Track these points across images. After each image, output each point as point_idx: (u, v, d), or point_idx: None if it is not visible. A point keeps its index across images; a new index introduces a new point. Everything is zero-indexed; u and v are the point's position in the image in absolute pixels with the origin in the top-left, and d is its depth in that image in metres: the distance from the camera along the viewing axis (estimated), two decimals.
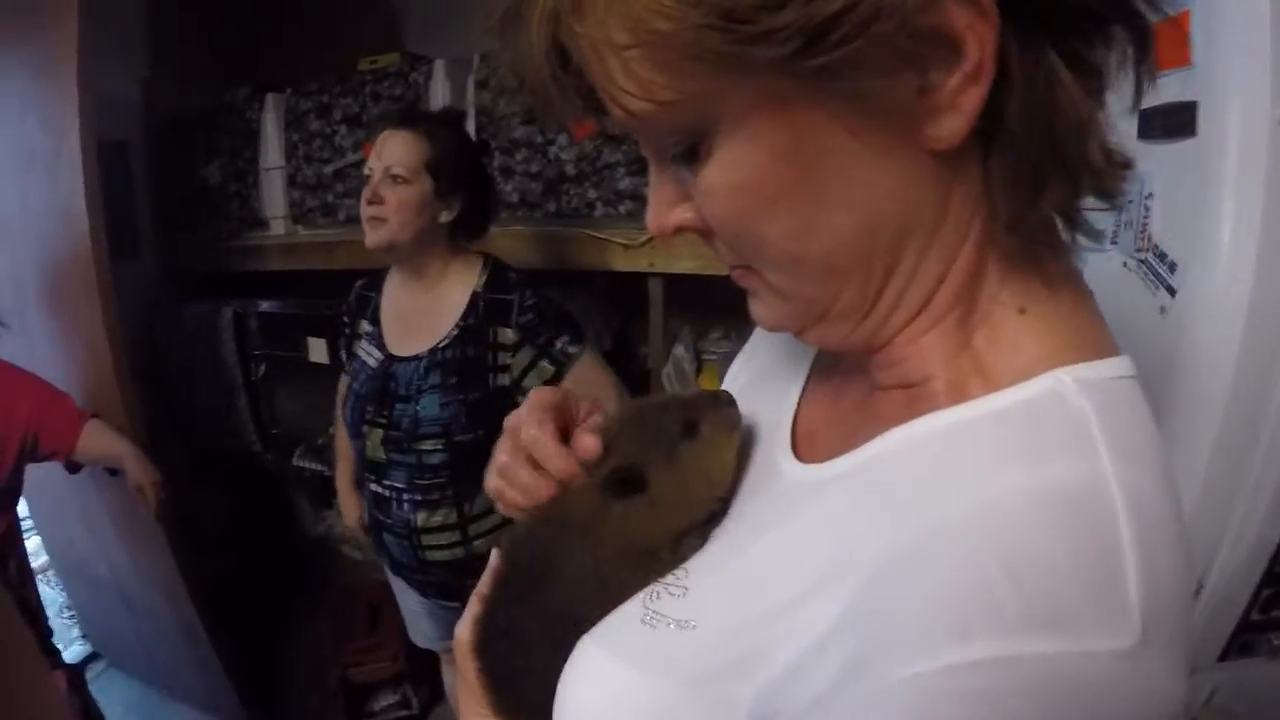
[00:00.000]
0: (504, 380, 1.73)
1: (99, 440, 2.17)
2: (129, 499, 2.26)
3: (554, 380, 1.70)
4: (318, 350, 2.60)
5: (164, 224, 3.26)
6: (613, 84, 0.43)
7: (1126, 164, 0.45)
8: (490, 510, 1.75)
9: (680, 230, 0.51)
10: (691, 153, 0.46)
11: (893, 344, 0.52)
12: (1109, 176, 0.44)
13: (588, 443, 0.60)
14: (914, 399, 0.50)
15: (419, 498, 1.76)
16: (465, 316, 1.72)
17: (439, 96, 2.45)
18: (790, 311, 0.51)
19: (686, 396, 0.64)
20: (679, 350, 2.42)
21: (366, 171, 1.73)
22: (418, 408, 1.71)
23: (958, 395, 0.48)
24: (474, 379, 1.71)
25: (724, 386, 0.74)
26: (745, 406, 0.63)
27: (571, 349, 1.71)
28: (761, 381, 0.71)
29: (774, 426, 0.63)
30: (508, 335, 1.71)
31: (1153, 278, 1.14)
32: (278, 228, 2.90)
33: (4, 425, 1.99)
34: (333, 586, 3.12)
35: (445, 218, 1.74)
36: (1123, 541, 0.38)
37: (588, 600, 0.59)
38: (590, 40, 0.41)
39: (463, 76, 2.45)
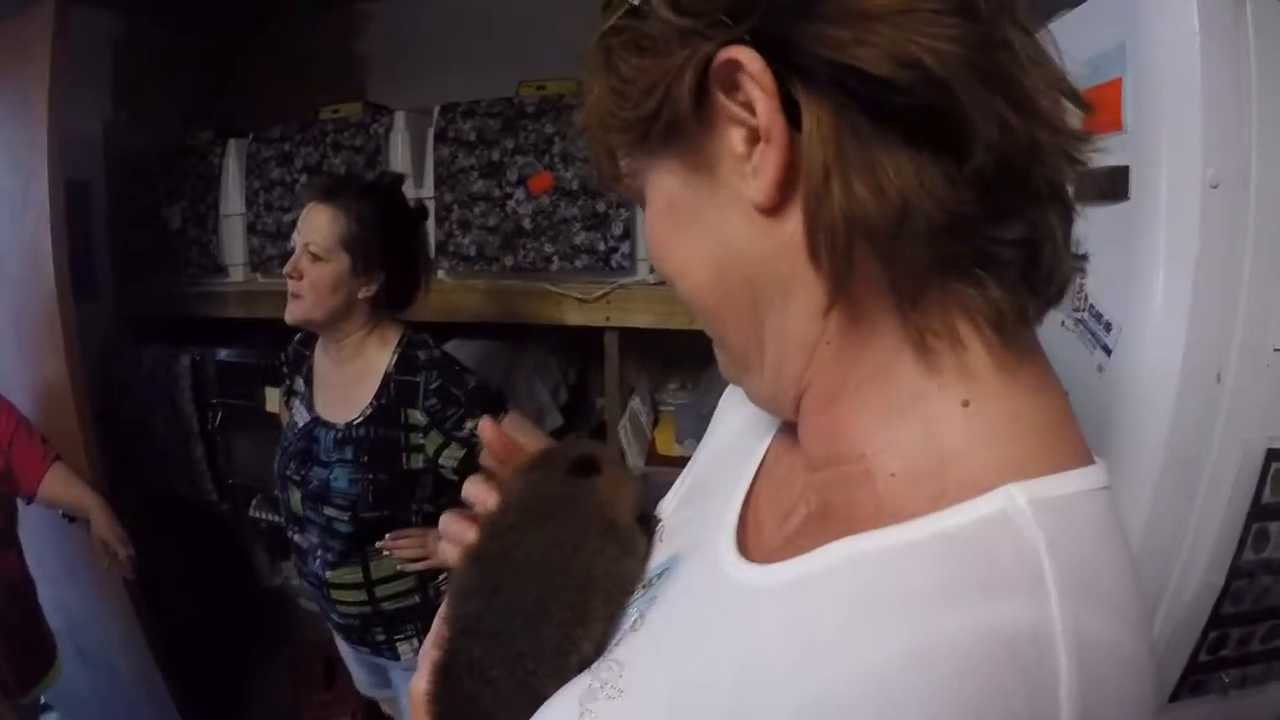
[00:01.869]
0: (418, 461, 1.73)
1: (63, 487, 2.16)
2: (85, 547, 2.24)
3: (468, 459, 1.71)
4: (273, 400, 2.56)
5: (123, 266, 3.23)
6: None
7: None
8: (397, 575, 1.77)
9: None
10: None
11: (810, 421, 0.53)
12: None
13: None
14: (858, 492, 0.47)
15: (329, 556, 1.76)
16: (378, 396, 1.72)
17: (399, 148, 2.47)
18: (720, 356, 0.58)
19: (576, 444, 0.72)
20: (635, 403, 2.43)
21: (291, 244, 1.73)
22: (330, 476, 1.71)
23: (901, 502, 0.44)
24: (385, 459, 1.71)
25: (685, 471, 0.78)
26: (701, 486, 0.69)
27: None
28: (715, 459, 0.72)
29: (723, 509, 0.61)
30: (417, 417, 1.71)
31: (1090, 337, 1.17)
32: (237, 275, 2.88)
33: None
34: (290, 638, 3.08)
35: (364, 294, 1.73)
36: (1058, 695, 0.36)
37: (555, 581, 0.60)
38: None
39: (423, 128, 2.46)
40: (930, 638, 0.38)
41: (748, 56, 0.42)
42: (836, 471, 0.50)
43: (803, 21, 0.41)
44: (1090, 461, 0.45)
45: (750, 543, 0.57)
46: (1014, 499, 0.41)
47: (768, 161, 0.44)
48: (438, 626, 0.65)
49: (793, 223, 0.45)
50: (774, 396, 0.54)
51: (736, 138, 0.45)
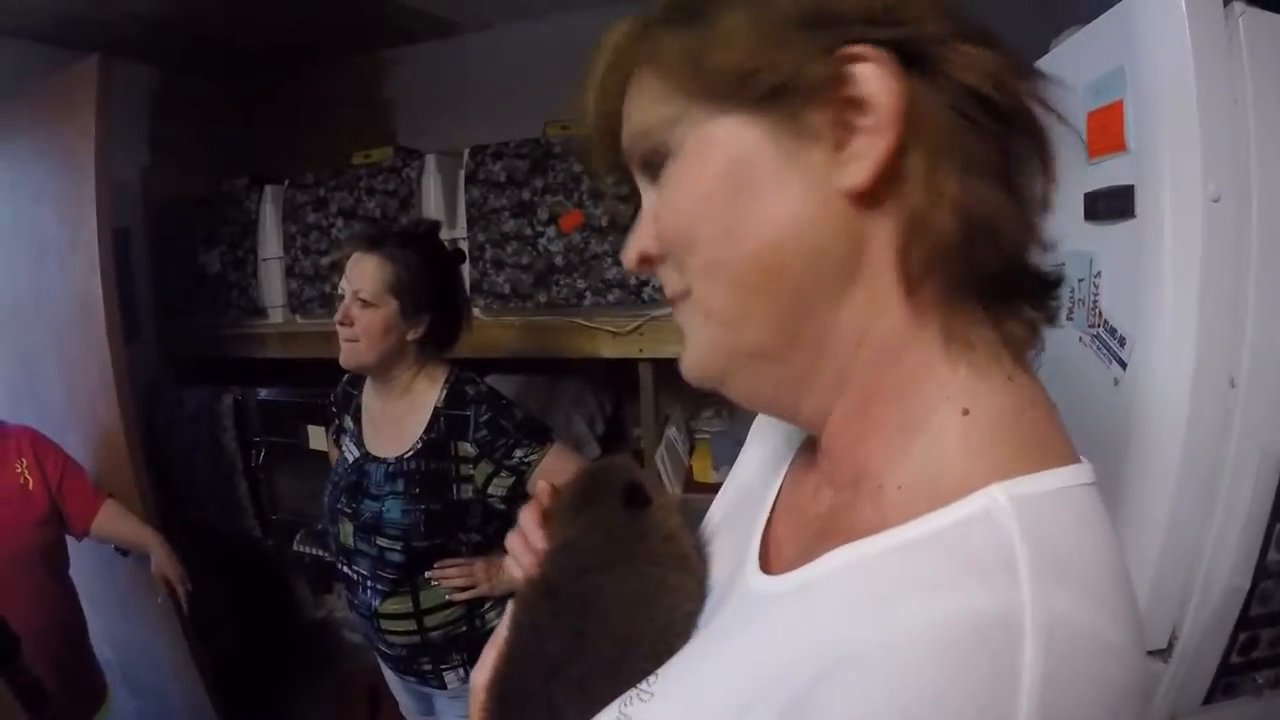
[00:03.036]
0: (467, 491, 1.79)
1: (118, 523, 2.23)
2: (136, 581, 2.31)
3: (516, 488, 1.78)
4: (317, 438, 2.64)
5: (163, 309, 3.34)
6: (632, 101, 0.55)
7: (1047, 245, 0.50)
8: (445, 605, 1.82)
9: (642, 260, 0.58)
10: (660, 167, 0.54)
11: (831, 433, 0.55)
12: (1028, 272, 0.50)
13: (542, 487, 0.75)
14: (865, 507, 0.51)
15: (380, 587, 1.81)
16: (428, 430, 1.79)
17: (431, 190, 2.54)
18: (712, 341, 0.55)
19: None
20: (671, 431, 2.47)
21: (340, 291, 1.81)
22: (382, 508, 1.77)
23: (902, 511, 0.47)
24: (436, 491, 1.77)
25: (714, 504, 0.79)
26: (729, 517, 0.70)
27: (531, 457, 1.77)
28: (739, 492, 0.74)
29: (747, 536, 0.64)
30: (467, 449, 1.77)
31: (1105, 352, 1.20)
32: (276, 316, 2.97)
33: (37, 483, 2.08)
34: (334, 670, 3.12)
35: (413, 335, 1.81)
36: (1020, 677, 0.37)
37: (640, 628, 0.60)
38: (633, 63, 0.55)
39: (454, 170, 2.53)
40: (903, 624, 0.41)
41: (881, 55, 0.45)
42: (855, 491, 0.52)
43: (942, 46, 0.46)
44: (1075, 461, 0.48)
45: (772, 560, 0.60)
46: (995, 498, 0.43)
47: (876, 150, 0.46)
48: (499, 645, 0.68)
49: (876, 217, 0.48)
50: (794, 400, 0.55)
51: (845, 120, 0.47)
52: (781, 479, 0.68)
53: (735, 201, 0.50)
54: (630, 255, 0.59)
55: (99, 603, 2.49)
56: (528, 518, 0.74)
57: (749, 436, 0.81)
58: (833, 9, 0.46)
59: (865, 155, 0.46)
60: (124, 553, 2.36)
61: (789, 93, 0.47)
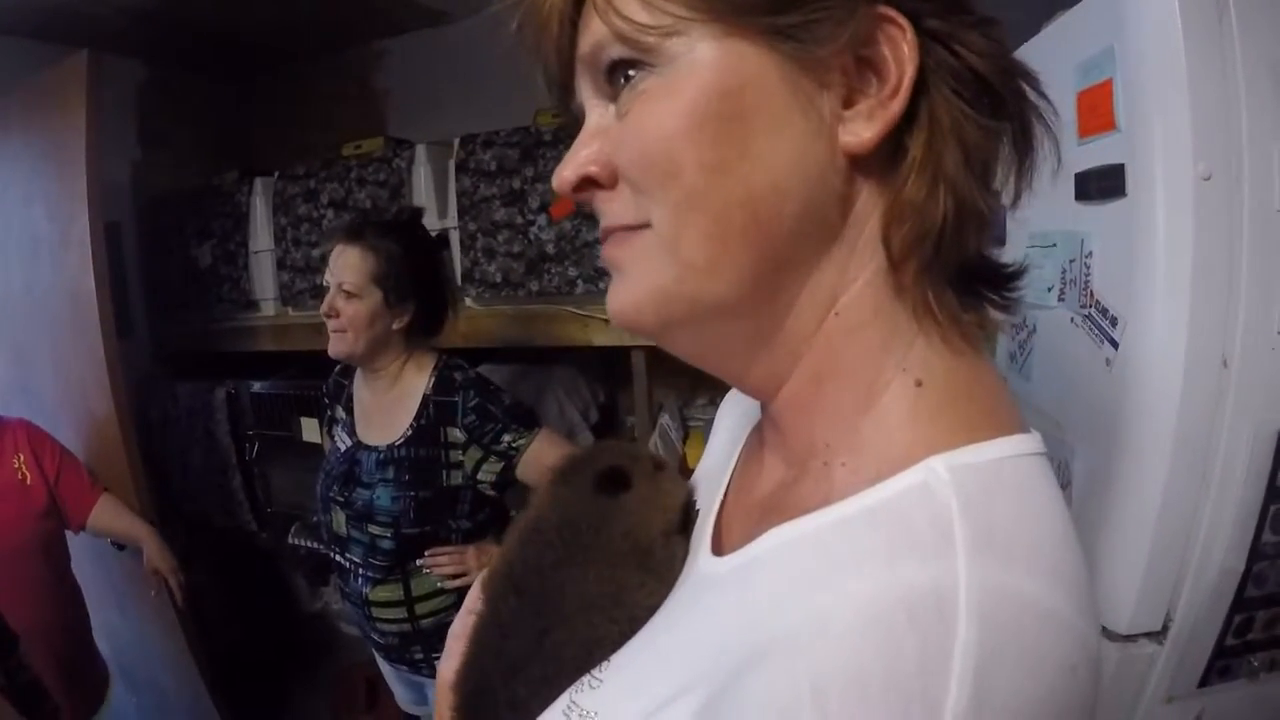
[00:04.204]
0: (458, 478, 1.81)
1: (113, 517, 2.24)
2: (134, 575, 2.30)
3: (505, 473, 1.80)
4: (310, 430, 2.62)
5: (155, 304, 3.34)
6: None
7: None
8: (436, 592, 1.83)
9: (582, 181, 0.51)
10: (630, 73, 0.48)
11: (782, 402, 0.53)
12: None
13: None
14: (810, 484, 0.50)
15: (371, 574, 1.83)
16: (418, 418, 1.81)
17: (421, 180, 2.53)
18: (668, 285, 0.49)
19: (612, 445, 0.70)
20: (665, 419, 2.47)
21: (324, 283, 1.82)
22: (373, 495, 1.79)
23: (845, 488, 0.45)
24: (426, 477, 1.79)
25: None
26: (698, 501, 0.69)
27: (519, 442, 1.78)
28: (705, 473, 0.73)
29: (704, 516, 0.63)
30: (456, 435, 1.79)
31: (1097, 332, 1.19)
32: (268, 309, 2.96)
33: (35, 477, 2.08)
34: (331, 663, 3.12)
35: (398, 325, 1.83)
36: (952, 657, 0.35)
37: (604, 629, 0.59)
38: None
39: (444, 160, 2.52)
40: (830, 607, 0.39)
41: (906, 23, 0.45)
42: (803, 468, 0.51)
43: (957, 27, 0.46)
44: (1022, 431, 0.46)
45: (724, 542, 0.59)
46: (934, 470, 0.42)
47: (887, 113, 0.45)
48: (464, 626, 0.67)
49: (872, 185, 0.48)
50: (750, 359, 0.52)
51: (862, 76, 0.46)
52: (736, 458, 0.67)
53: (733, 132, 0.45)
54: (566, 176, 0.51)
55: (96, 598, 2.49)
56: None
57: (716, 418, 0.79)
58: None
59: (873, 117, 0.45)
60: (120, 547, 2.36)
61: (815, 31, 0.44)
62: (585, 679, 0.56)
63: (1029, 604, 0.38)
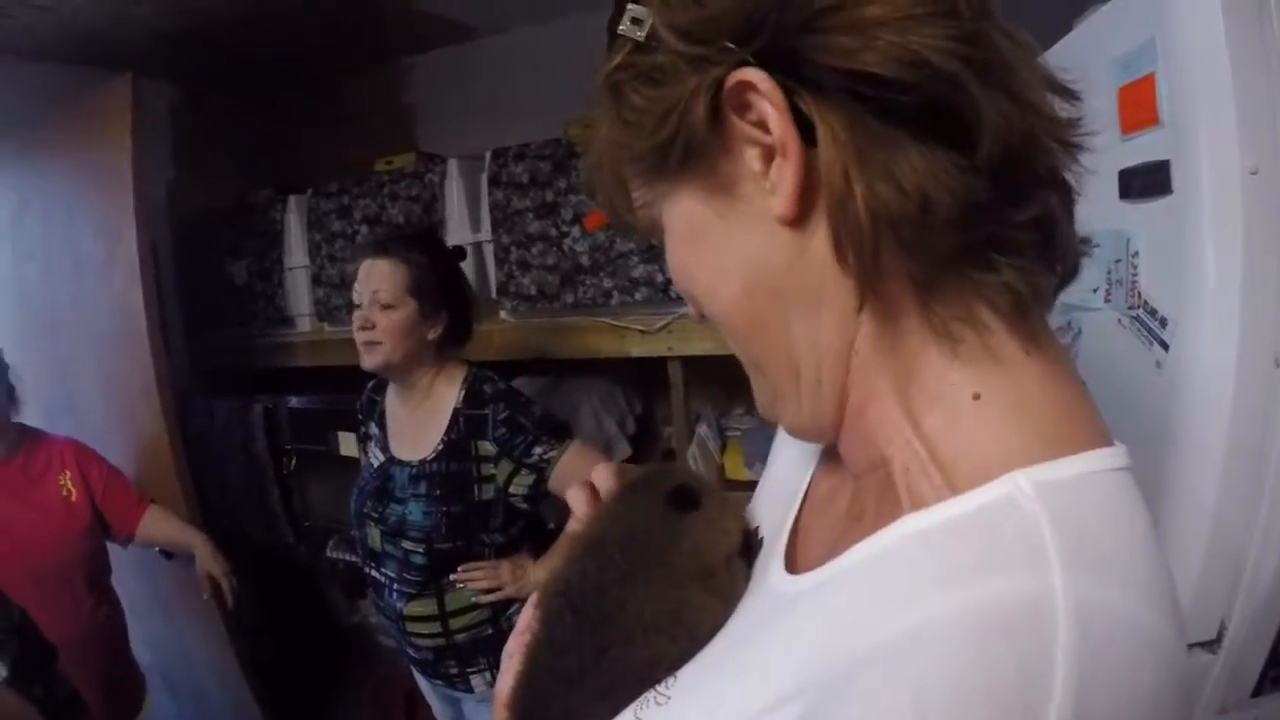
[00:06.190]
0: (489, 492, 1.81)
1: (163, 525, 2.30)
2: (179, 583, 2.35)
3: (537, 486, 1.80)
4: (347, 444, 2.64)
5: (192, 321, 3.38)
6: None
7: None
8: (470, 607, 1.83)
9: None
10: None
11: (843, 438, 0.54)
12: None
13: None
14: (882, 498, 0.50)
15: (405, 589, 1.83)
16: (449, 432, 1.82)
17: (454, 194, 2.55)
18: (755, 385, 0.59)
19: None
20: (702, 429, 2.46)
21: (355, 298, 1.84)
22: (406, 510, 1.80)
23: (916, 496, 0.46)
24: (458, 492, 1.79)
25: (750, 505, 0.77)
26: (762, 518, 0.69)
27: (551, 454, 1.78)
28: (770, 494, 0.73)
29: (774, 536, 0.63)
30: (487, 448, 1.79)
31: (1146, 334, 1.17)
32: (304, 325, 3.00)
33: (80, 494, 2.12)
34: (369, 676, 3.13)
35: (432, 334, 1.85)
36: (1055, 664, 0.36)
37: (662, 647, 0.59)
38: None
39: (476, 174, 2.54)
40: (926, 619, 0.39)
41: (757, 76, 0.44)
42: (872, 478, 0.52)
43: (809, 36, 0.43)
44: (1106, 444, 0.46)
45: (799, 560, 0.59)
46: (1019, 484, 0.42)
47: (785, 175, 0.46)
48: (518, 646, 0.67)
49: (817, 232, 0.47)
50: (814, 417, 0.54)
51: (753, 156, 0.47)
52: (810, 476, 0.67)
53: (702, 262, 0.54)
54: None
55: (140, 608, 2.55)
56: (577, 498, 0.71)
57: (776, 439, 0.79)
58: (690, 52, 0.46)
59: (781, 183, 0.46)
60: (168, 555, 2.40)
61: (696, 151, 0.49)
62: (650, 695, 0.57)
63: (1125, 618, 0.38)
